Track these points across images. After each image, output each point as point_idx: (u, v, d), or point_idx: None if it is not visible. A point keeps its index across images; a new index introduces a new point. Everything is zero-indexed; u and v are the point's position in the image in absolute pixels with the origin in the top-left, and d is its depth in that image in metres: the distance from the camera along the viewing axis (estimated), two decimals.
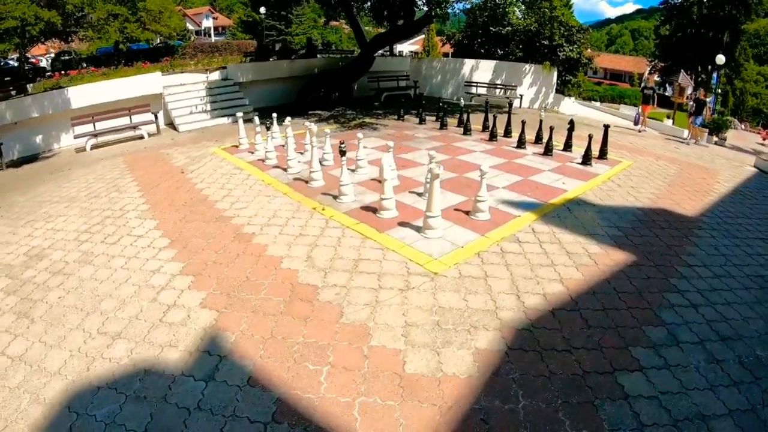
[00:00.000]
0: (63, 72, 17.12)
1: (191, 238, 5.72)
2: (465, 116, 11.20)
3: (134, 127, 12.26)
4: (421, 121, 12.57)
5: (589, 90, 28.11)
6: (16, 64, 21.09)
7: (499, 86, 17.44)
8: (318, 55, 20.87)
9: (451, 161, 8.58)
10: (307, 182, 7.32)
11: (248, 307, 4.15)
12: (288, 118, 9.83)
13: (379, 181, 7.11)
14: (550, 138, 9.06)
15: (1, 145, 10.89)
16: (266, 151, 8.59)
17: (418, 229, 5.35)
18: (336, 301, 4.11)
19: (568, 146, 9.45)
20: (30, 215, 7.23)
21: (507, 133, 10.82)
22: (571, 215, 5.99)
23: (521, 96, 16.96)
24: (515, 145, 9.83)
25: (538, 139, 10.09)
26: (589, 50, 23.10)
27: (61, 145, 12.41)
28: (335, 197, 6.56)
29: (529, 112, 16.39)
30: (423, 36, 34.26)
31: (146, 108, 12.64)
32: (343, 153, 6.27)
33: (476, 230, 5.37)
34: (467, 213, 5.84)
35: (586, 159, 8.46)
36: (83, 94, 12.51)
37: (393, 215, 5.76)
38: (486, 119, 11.01)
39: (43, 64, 23.74)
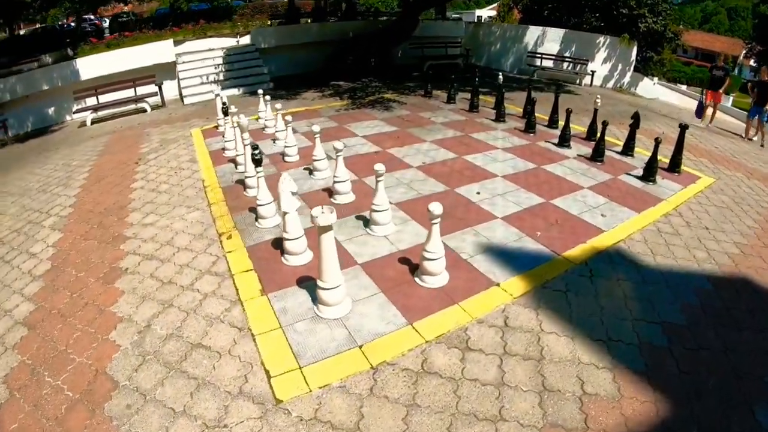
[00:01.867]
0: (98, 37, 16.79)
1: (70, 266, 4.58)
2: (500, 97, 8.70)
3: (136, 100, 11.28)
4: (450, 100, 10.20)
5: (676, 70, 22.51)
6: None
7: (567, 59, 14.22)
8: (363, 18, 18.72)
9: (454, 163, 6.39)
10: (245, 187, 5.68)
11: (35, 397, 2.96)
12: (267, 97, 8.21)
13: (330, 193, 5.29)
14: (602, 136, 6.46)
15: (6, 120, 10.49)
16: (225, 141, 7.01)
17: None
18: (118, 420, 2.66)
19: (628, 149, 6.77)
20: None
21: (552, 122, 8.24)
22: (591, 288, 3.65)
23: (593, 72, 13.73)
24: (557, 141, 7.30)
25: (591, 135, 7.45)
26: (681, 26, 18.41)
27: (73, 117, 11.85)
28: (258, 217, 4.84)
29: (600, 93, 13.25)
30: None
31: (152, 79, 11.62)
32: (257, 162, 4.48)
33: (407, 311, 3.32)
34: (415, 270, 3.79)
35: (649, 173, 5.84)
36: (92, 65, 11.76)
37: (301, 262, 3.92)
38: (527, 102, 8.41)
39: (106, 25, 23.97)
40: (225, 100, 7.26)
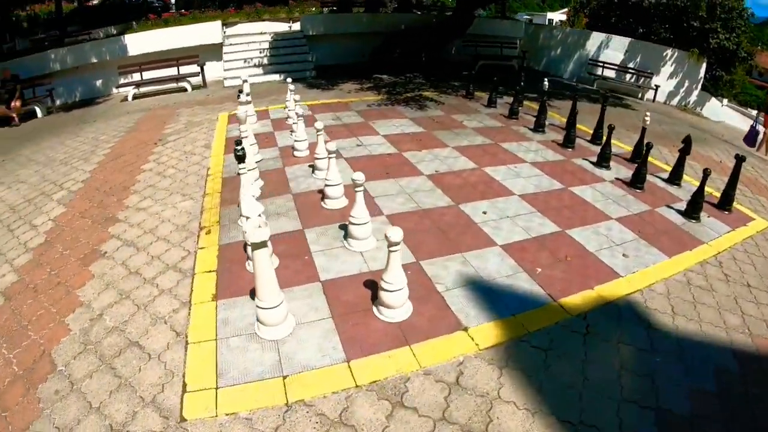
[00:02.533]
0: (160, 13, 17.36)
1: (60, 242, 4.65)
2: (542, 105, 7.96)
3: (178, 79, 11.49)
4: (491, 104, 9.53)
5: (748, 93, 19.70)
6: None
7: (630, 70, 13.01)
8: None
9: (470, 175, 5.86)
10: None
11: None
12: (292, 86, 7.99)
13: (322, 195, 4.97)
14: (645, 160, 5.68)
15: (52, 89, 11.00)
16: (240, 129, 6.85)
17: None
18: (44, 404, 2.64)
19: (676, 176, 5.92)
20: (6, 177, 6.76)
21: (596, 138, 7.44)
22: (581, 350, 2.99)
23: (657, 87, 12.51)
24: (595, 160, 6.54)
25: (636, 156, 6.63)
26: (759, 47, 16.30)
27: (118, 91, 12.29)
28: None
29: (662, 111, 11.99)
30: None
31: (195, 59, 11.79)
32: (240, 159, 4.21)
33: (351, 345, 2.91)
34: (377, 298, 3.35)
35: (693, 208, 5.02)
36: (140, 42, 12.10)
37: None
38: (571, 114, 7.61)
39: (173, 1, 24.80)
40: (243, 88, 7.10)
